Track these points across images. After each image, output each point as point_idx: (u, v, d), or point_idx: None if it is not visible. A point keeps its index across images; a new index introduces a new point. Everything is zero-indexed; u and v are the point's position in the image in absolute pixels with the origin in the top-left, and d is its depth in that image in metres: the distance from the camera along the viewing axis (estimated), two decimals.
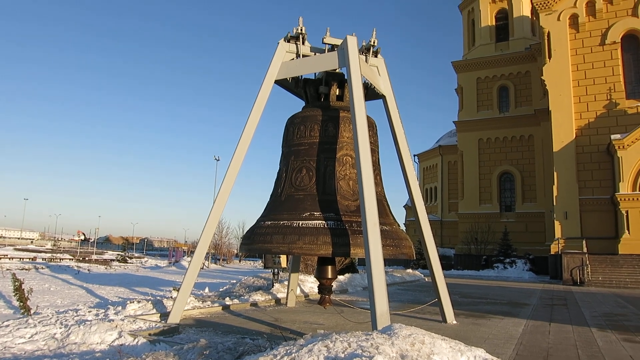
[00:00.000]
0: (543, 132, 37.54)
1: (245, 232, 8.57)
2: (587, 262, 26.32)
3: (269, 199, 8.52)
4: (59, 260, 40.25)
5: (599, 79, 30.91)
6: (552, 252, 30.20)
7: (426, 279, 25.49)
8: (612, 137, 28.72)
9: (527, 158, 40.99)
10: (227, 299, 11.29)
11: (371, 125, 8.65)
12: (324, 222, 7.30)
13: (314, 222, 7.32)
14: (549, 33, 32.60)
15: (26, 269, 26.37)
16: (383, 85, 9.16)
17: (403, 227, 45.24)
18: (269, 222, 7.74)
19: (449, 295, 9.24)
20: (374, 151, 8.49)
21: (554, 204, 30.75)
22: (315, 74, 9.21)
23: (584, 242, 27.95)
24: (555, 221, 30.38)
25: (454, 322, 9.07)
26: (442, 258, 40.40)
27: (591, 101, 30.84)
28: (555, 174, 30.92)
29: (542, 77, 32.60)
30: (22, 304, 10.20)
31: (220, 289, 15.06)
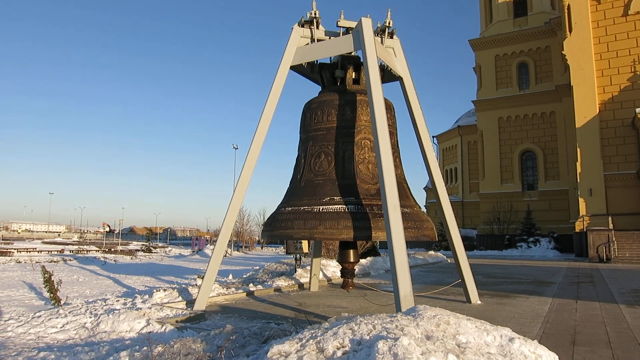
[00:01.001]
0: (565, 108, 36.77)
1: (266, 219, 8.63)
2: (614, 238, 25.88)
3: (288, 186, 8.56)
4: (85, 252, 41.18)
5: (623, 52, 30.04)
6: (577, 230, 29.76)
7: (449, 260, 25.40)
8: (637, 110, 27.99)
9: (549, 135, 40.27)
10: (251, 285, 11.43)
11: (389, 108, 8.57)
12: (344, 206, 7.32)
13: (334, 206, 7.34)
14: (569, 6, 31.71)
15: (55, 262, 27.05)
16: (400, 66, 9.05)
17: (424, 209, 44.98)
18: (290, 208, 7.78)
19: (473, 276, 9.20)
20: (393, 133, 8.43)
21: (578, 180, 30.21)
22: (330, 58, 9.15)
23: (609, 218, 27.46)
24: (579, 198, 29.87)
25: (479, 302, 9.03)
26: (465, 239, 40.13)
27: (614, 74, 30.03)
28: (578, 150, 30.33)
29: (562, 52, 31.81)
30: (52, 295, 10.49)
31: (244, 276, 15.25)
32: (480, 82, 43.51)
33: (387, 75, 9.14)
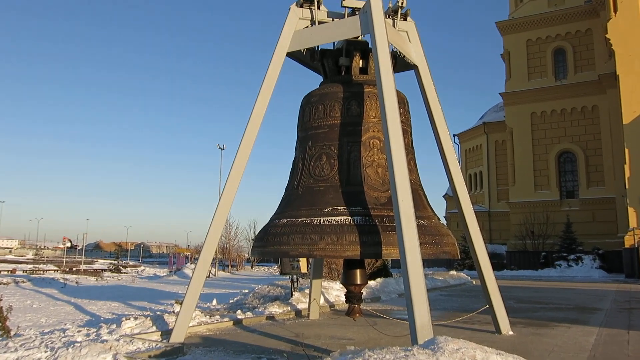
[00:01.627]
0: (610, 102, 36.83)
1: (257, 233, 8.60)
2: None
3: (283, 193, 8.57)
4: (42, 272, 41.16)
5: None
6: (626, 246, 29.73)
7: (474, 282, 25.37)
8: None
9: (591, 133, 40.36)
10: (239, 312, 11.38)
11: (402, 102, 8.57)
12: (349, 217, 7.30)
13: (338, 218, 7.32)
14: None
15: (4, 284, 26.99)
16: (414, 53, 9.07)
17: (444, 221, 44.96)
18: (285, 220, 7.77)
19: (503, 301, 9.16)
20: (407, 132, 8.42)
21: (627, 187, 30.22)
22: (334, 43, 9.16)
23: None
24: (628, 208, 29.87)
25: (510, 332, 8.99)
26: (492, 256, 40.05)
27: None
28: (626, 150, 30.36)
29: (606, 36, 31.93)
30: (0, 324, 10.42)
31: (231, 301, 15.20)
32: (510, 71, 43.70)
33: (400, 63, 9.16)
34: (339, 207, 7.46)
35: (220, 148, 49.14)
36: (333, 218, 7.34)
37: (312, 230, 7.31)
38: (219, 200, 8.35)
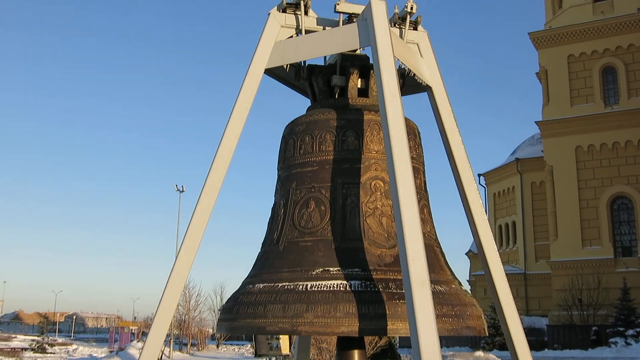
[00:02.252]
0: None
1: (225, 301, 8.47)
2: None
3: (260, 250, 8.56)
4: None
5: None
6: None
7: None
8: None
9: None
10: None
11: (412, 132, 8.57)
12: (345, 282, 7.21)
13: (330, 282, 7.23)
14: None
15: None
16: (428, 71, 9.13)
17: (466, 286, 44.66)
18: (261, 285, 7.66)
19: None
20: (418, 171, 8.42)
21: None
22: (325, 58, 9.26)
23: None
24: None
25: None
26: (530, 332, 39.72)
27: None
28: None
29: None
30: None
31: None
32: (548, 94, 44.28)
33: (410, 83, 9.21)
34: (331, 269, 7.46)
35: (178, 190, 49.01)
36: (324, 283, 7.31)
37: (296, 298, 7.24)
38: (177, 257, 8.16)
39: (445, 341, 46.39)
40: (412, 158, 7.76)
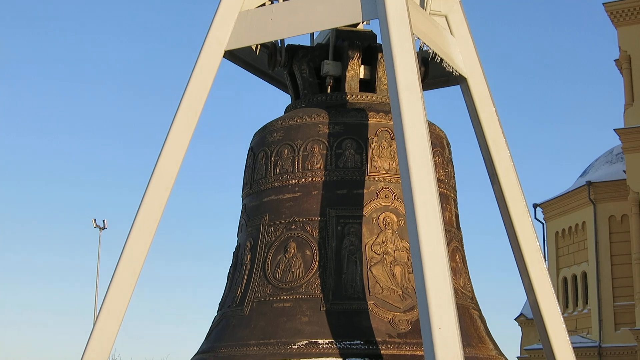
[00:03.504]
0: None
1: None
2: None
3: (216, 314, 8.54)
4: None
5: None
6: None
7: None
8: None
9: None
10: None
11: (440, 143, 8.67)
12: None
13: None
14: None
15: None
16: (461, 55, 9.04)
17: None
18: None
19: None
20: (448, 199, 8.45)
21: None
22: (312, 36, 9.37)
23: None
24: None
25: None
26: None
27: None
28: None
29: None
30: None
31: None
32: (631, 90, 44.24)
33: (435, 73, 9.20)
34: (320, 341, 7.33)
35: (97, 227, 49.05)
36: None
37: None
38: (95, 323, 8.13)
39: None
40: (439, 181, 7.66)
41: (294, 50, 9.06)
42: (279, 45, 9.01)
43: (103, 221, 49.70)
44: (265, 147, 8.49)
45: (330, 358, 7.19)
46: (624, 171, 44.99)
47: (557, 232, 53.27)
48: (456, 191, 8.84)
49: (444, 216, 7.14)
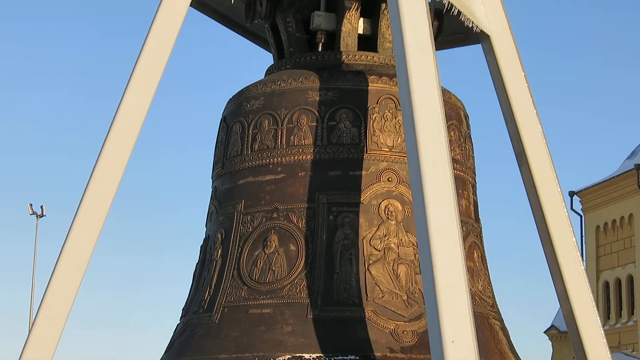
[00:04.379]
0: None
1: None
2: None
3: (178, 322, 8.59)
4: None
5: None
6: None
7: None
8: None
9: None
10: None
11: (457, 115, 8.81)
12: None
13: None
14: None
15: None
16: (483, 7, 9.14)
17: None
18: None
19: None
20: (466, 183, 8.56)
21: None
22: None
23: None
24: None
25: None
26: None
27: None
28: None
29: None
30: None
31: None
32: None
33: (451, 29, 9.25)
34: (305, 356, 7.39)
35: (34, 214, 48.92)
36: None
37: None
38: (33, 323, 8.23)
39: None
40: (454, 161, 7.78)
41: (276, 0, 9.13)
42: None
43: (41, 207, 49.63)
44: (241, 117, 8.52)
45: None
46: None
47: (597, 227, 53.41)
48: (475, 174, 8.89)
49: (459, 205, 7.23)
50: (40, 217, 49.79)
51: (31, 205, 50.84)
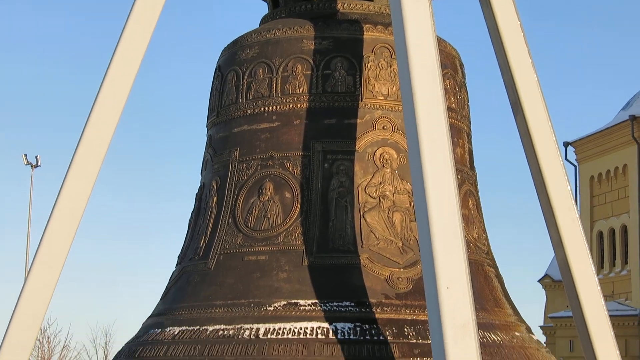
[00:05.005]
0: None
1: (113, 357, 8.51)
2: None
3: (174, 269, 8.65)
4: None
5: None
6: None
7: None
8: None
9: None
10: None
11: (452, 64, 8.83)
12: (325, 325, 7.24)
13: (299, 326, 7.26)
14: None
15: None
16: None
17: (540, 336, 44.52)
18: (176, 330, 7.68)
19: None
20: (461, 132, 8.59)
21: None
22: None
23: None
24: None
25: None
26: None
27: None
28: None
29: None
30: None
31: None
32: None
33: None
34: (300, 302, 7.46)
35: (29, 164, 48.82)
36: (288, 326, 7.31)
37: (239, 351, 7.26)
38: (29, 273, 8.30)
39: None
40: (449, 109, 7.80)
41: None
42: None
43: (36, 157, 49.50)
44: (236, 66, 8.52)
45: (313, 322, 7.25)
46: None
47: (592, 177, 53.41)
48: (470, 123, 8.90)
49: (454, 153, 7.24)
50: (35, 168, 49.72)
51: (26, 155, 50.80)
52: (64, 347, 58.04)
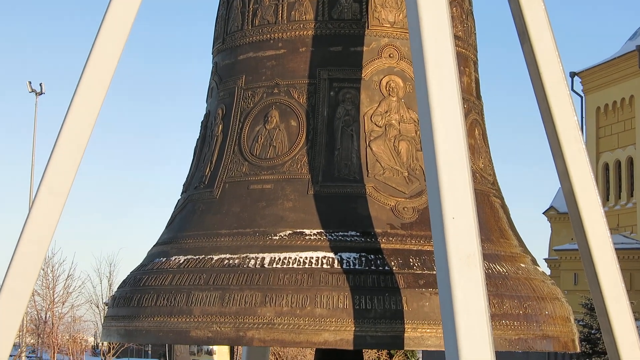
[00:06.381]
0: None
1: (117, 287, 8.54)
2: None
3: (179, 198, 8.66)
4: None
5: None
6: None
7: None
8: None
9: None
10: None
11: None
12: (331, 255, 7.24)
13: (304, 255, 7.26)
14: None
15: None
16: None
17: (545, 268, 44.93)
18: (182, 258, 7.69)
19: None
20: (467, 60, 8.55)
21: None
22: None
23: None
24: None
25: None
26: None
27: None
28: None
29: None
30: None
31: None
32: None
33: None
34: (307, 231, 7.46)
35: (33, 91, 48.77)
36: (294, 256, 7.31)
37: (245, 282, 7.24)
38: (34, 200, 8.28)
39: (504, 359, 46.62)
40: (456, 37, 7.76)
41: None
42: None
43: (40, 85, 49.59)
44: None
45: (318, 252, 7.25)
46: None
47: (598, 108, 53.42)
48: (477, 51, 8.84)
49: (461, 81, 7.20)
50: (39, 95, 49.82)
51: (30, 82, 50.82)
52: (68, 277, 58.51)
